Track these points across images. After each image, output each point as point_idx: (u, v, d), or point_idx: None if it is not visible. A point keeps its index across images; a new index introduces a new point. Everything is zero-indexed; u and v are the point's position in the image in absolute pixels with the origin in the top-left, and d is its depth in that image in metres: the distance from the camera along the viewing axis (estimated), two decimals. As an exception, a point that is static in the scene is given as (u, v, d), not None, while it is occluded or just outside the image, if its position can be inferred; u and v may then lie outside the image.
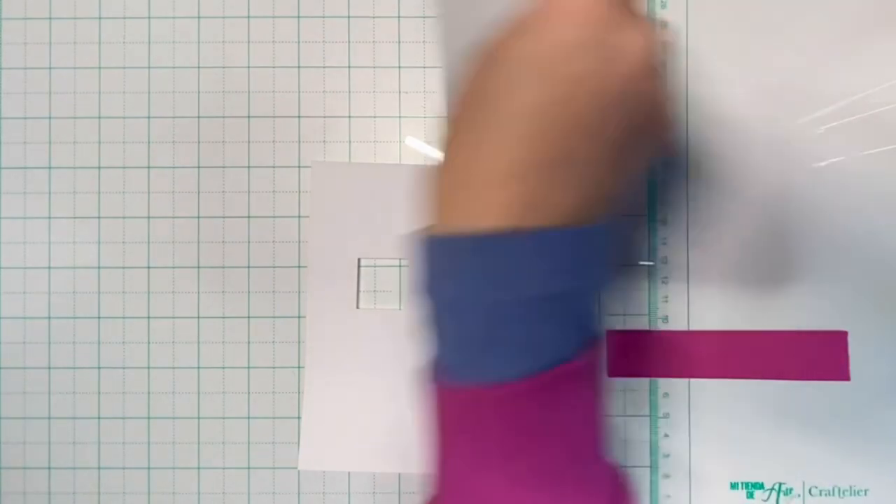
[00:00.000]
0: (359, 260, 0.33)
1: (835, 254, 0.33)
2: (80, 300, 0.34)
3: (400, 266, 0.33)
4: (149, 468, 0.33)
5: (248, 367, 0.33)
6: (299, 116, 0.34)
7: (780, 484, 0.33)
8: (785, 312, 0.33)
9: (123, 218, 0.34)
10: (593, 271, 0.23)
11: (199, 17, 0.34)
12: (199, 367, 0.34)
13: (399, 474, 0.33)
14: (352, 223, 0.33)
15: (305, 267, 0.33)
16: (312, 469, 0.33)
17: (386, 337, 0.33)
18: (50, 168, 0.34)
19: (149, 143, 0.34)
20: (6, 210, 0.34)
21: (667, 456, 0.33)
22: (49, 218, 0.34)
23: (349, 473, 0.33)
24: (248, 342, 0.34)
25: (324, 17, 0.34)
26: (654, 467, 0.33)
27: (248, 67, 0.34)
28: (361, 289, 0.33)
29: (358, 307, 0.33)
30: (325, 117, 0.34)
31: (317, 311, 0.33)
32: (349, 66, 0.34)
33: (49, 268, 0.34)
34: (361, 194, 0.33)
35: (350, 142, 0.34)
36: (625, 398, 0.33)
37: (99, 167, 0.34)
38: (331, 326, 0.33)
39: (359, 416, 0.33)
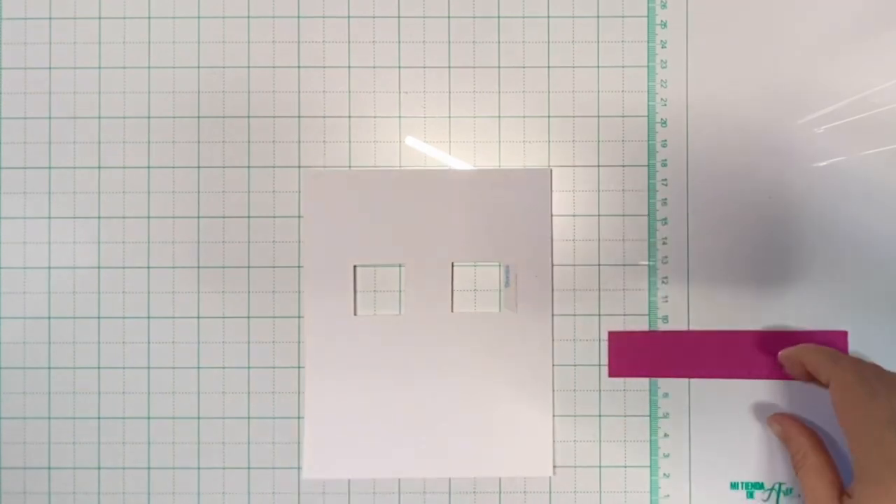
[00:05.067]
0: (354, 267, 0.33)
1: (835, 254, 0.33)
2: (80, 300, 0.34)
3: (400, 268, 0.33)
4: (149, 468, 0.33)
5: (248, 368, 0.33)
6: (299, 116, 0.34)
7: (780, 484, 0.33)
8: (785, 312, 0.33)
9: (123, 218, 0.34)
10: None
11: (199, 17, 0.34)
12: (198, 367, 0.34)
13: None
14: (346, 230, 0.33)
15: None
16: (317, 478, 0.33)
17: (386, 343, 0.33)
18: (50, 168, 0.34)
19: (149, 143, 0.34)
20: (6, 210, 0.34)
21: (667, 456, 0.33)
22: (49, 218, 0.34)
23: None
24: (248, 342, 0.34)
25: (324, 17, 0.34)
26: (654, 467, 0.33)
27: (248, 67, 0.34)
28: (360, 295, 0.33)
29: (355, 314, 0.33)
30: (325, 117, 0.34)
31: (315, 319, 0.33)
32: (349, 66, 0.34)
33: (49, 268, 0.34)
34: (354, 201, 0.33)
35: (350, 142, 0.34)
36: (625, 398, 0.33)
37: (99, 167, 0.34)
38: (329, 334, 0.33)
39: (361, 424, 0.33)
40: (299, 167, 0.34)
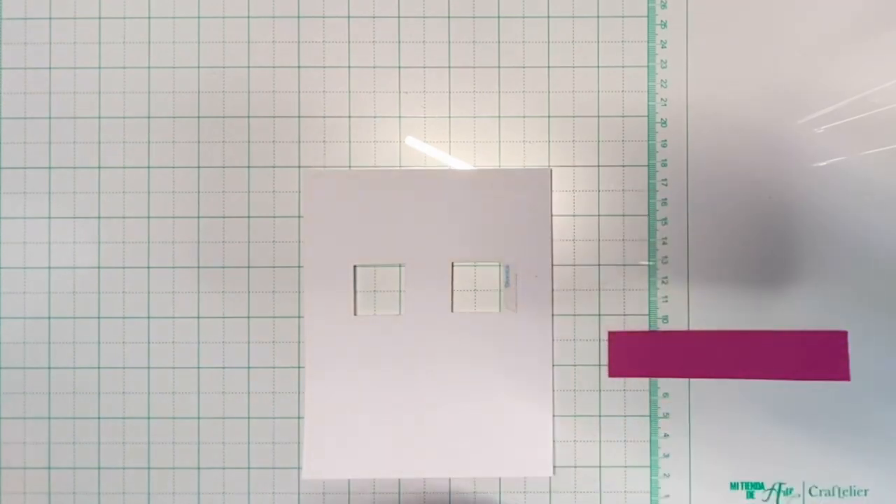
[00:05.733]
0: (354, 267, 0.33)
1: (835, 254, 0.33)
2: (80, 300, 0.34)
3: (400, 268, 0.33)
4: (149, 468, 0.33)
5: (248, 368, 0.33)
6: (299, 116, 0.34)
7: (780, 484, 0.33)
8: (785, 312, 0.33)
9: (123, 218, 0.34)
10: None
11: (199, 18, 0.34)
12: (198, 367, 0.34)
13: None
14: (346, 230, 0.33)
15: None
16: (317, 478, 0.33)
17: (386, 343, 0.33)
18: (50, 168, 0.34)
19: (149, 143, 0.34)
20: (6, 210, 0.34)
21: (667, 456, 0.33)
22: (49, 218, 0.34)
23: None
24: (248, 342, 0.34)
25: (324, 17, 0.34)
26: (654, 467, 0.33)
27: (248, 67, 0.34)
28: (360, 295, 0.33)
29: (356, 314, 0.33)
30: (325, 117, 0.34)
31: (315, 319, 0.33)
32: (349, 66, 0.34)
33: (49, 268, 0.34)
34: (354, 201, 0.33)
35: (350, 142, 0.34)
36: (625, 398, 0.33)
37: (99, 167, 0.34)
38: (329, 334, 0.33)
39: (361, 424, 0.33)
40: (299, 167, 0.34)
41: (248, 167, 0.34)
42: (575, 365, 0.33)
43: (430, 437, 0.33)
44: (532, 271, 0.33)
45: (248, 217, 0.34)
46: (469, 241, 0.33)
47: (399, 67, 0.34)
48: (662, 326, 0.33)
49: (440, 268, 0.33)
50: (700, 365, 0.33)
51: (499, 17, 0.34)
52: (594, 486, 0.33)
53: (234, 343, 0.34)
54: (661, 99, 0.33)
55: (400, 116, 0.34)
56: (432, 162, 0.34)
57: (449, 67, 0.34)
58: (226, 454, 0.33)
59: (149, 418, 0.34)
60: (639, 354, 0.33)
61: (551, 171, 0.33)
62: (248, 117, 0.34)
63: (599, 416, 0.33)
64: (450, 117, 0.34)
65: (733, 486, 0.33)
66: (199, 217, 0.34)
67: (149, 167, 0.34)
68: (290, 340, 0.33)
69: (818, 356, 0.32)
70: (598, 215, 0.33)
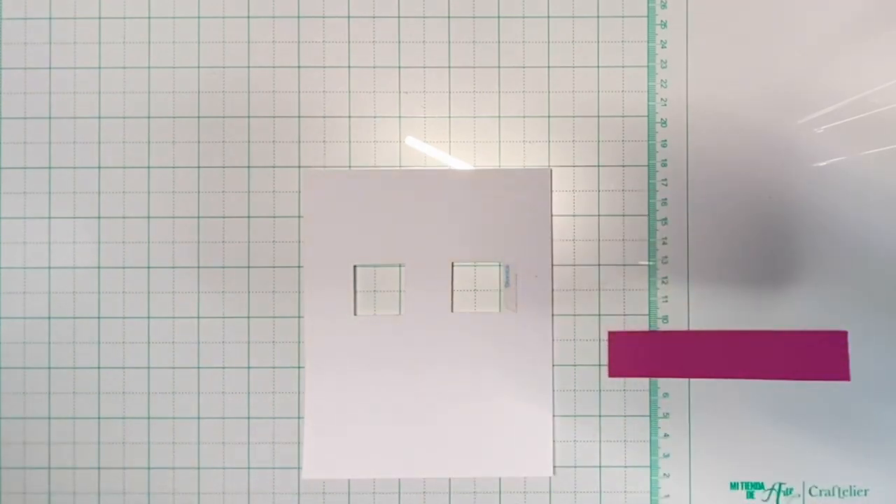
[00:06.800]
0: (354, 267, 0.33)
1: (835, 254, 0.33)
2: (80, 300, 0.34)
3: (400, 268, 0.33)
4: (149, 468, 0.33)
5: (248, 368, 0.33)
6: (299, 116, 0.34)
7: (780, 484, 0.33)
8: (785, 312, 0.33)
9: (123, 218, 0.34)
10: None
11: (199, 18, 0.34)
12: (198, 367, 0.34)
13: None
14: (346, 230, 0.33)
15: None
16: (317, 478, 0.33)
17: (385, 343, 0.33)
18: (50, 168, 0.34)
19: (149, 143, 0.34)
20: (6, 210, 0.34)
21: (667, 456, 0.33)
22: (49, 218, 0.34)
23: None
24: (248, 342, 0.34)
25: (324, 17, 0.34)
26: (654, 467, 0.33)
27: (248, 67, 0.34)
28: (360, 295, 0.34)
29: (356, 314, 0.33)
30: (324, 117, 0.34)
31: (315, 319, 0.33)
32: (349, 66, 0.34)
33: (49, 268, 0.34)
34: (354, 201, 0.33)
35: (350, 142, 0.34)
36: (625, 398, 0.33)
37: (99, 167, 0.34)
38: (329, 334, 0.33)
39: (361, 424, 0.33)
40: (299, 167, 0.34)
41: (248, 167, 0.34)
42: (575, 365, 0.33)
43: (430, 437, 0.33)
44: (532, 271, 0.33)
45: (248, 217, 0.34)
46: (469, 241, 0.33)
47: (399, 67, 0.34)
48: (662, 326, 0.33)
49: (440, 268, 0.33)
50: (700, 365, 0.33)
51: (499, 17, 0.34)
52: (594, 486, 0.33)
53: (234, 343, 0.34)
54: (661, 99, 0.33)
55: (400, 116, 0.34)
56: (432, 162, 0.34)
57: (449, 67, 0.34)
58: (226, 454, 0.33)
59: (149, 418, 0.34)
60: (639, 354, 0.33)
61: (551, 171, 0.33)
62: (248, 117, 0.34)
63: (599, 416, 0.33)
64: (450, 117, 0.34)
65: (733, 486, 0.33)
66: (199, 217, 0.34)
67: (149, 167, 0.34)
68: (290, 340, 0.33)
69: (818, 356, 0.32)
70: (598, 215, 0.33)
